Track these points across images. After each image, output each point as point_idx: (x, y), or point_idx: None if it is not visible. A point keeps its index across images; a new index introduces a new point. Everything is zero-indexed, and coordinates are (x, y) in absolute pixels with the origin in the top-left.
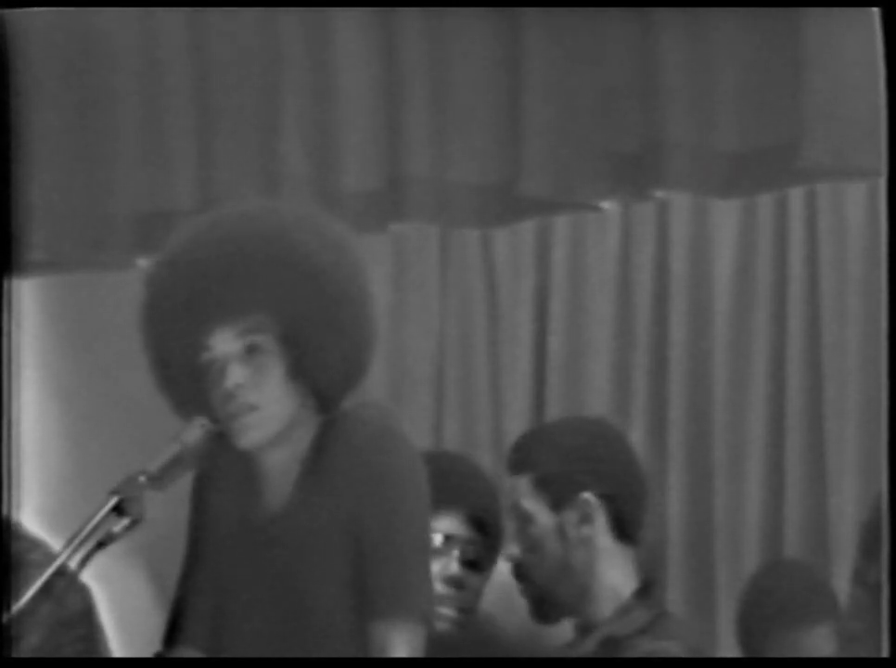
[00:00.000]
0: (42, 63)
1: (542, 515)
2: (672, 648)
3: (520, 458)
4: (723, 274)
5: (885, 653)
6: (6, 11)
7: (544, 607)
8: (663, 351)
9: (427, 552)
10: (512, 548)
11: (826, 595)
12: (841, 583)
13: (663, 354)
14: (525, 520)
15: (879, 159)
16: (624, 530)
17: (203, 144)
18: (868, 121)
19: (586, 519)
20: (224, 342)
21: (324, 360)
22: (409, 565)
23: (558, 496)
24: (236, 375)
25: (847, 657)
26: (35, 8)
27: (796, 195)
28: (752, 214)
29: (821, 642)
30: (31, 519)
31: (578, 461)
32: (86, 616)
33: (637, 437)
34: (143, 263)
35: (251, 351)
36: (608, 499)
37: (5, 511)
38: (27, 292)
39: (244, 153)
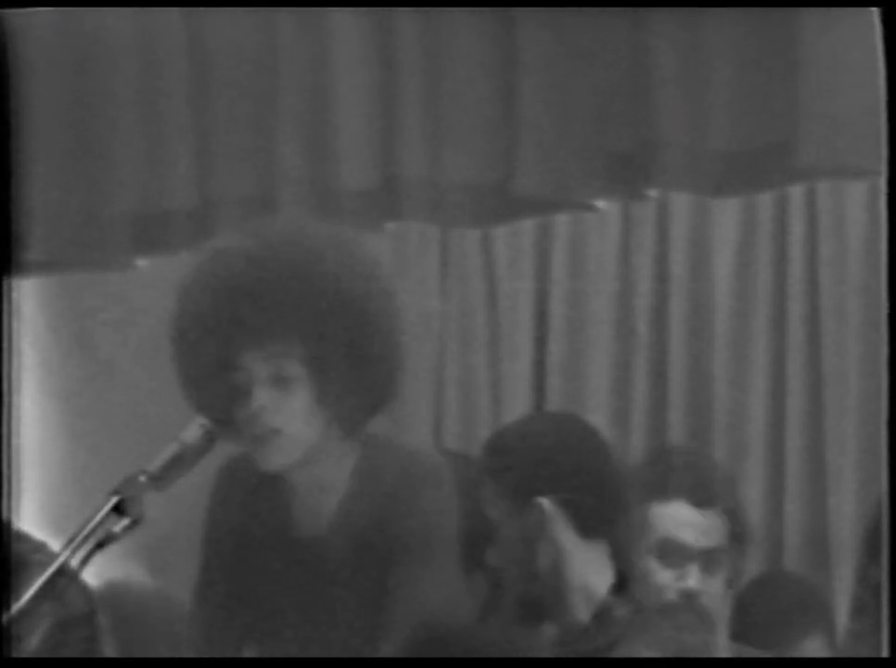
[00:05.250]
0: (41, 63)
1: (508, 520)
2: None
3: (487, 463)
4: (723, 274)
5: (885, 653)
6: (6, 11)
7: (522, 611)
8: (663, 351)
9: (451, 575)
10: (488, 555)
11: (818, 607)
12: (841, 583)
13: (663, 354)
14: (495, 525)
15: (878, 159)
16: (591, 527)
17: (200, 144)
18: (867, 120)
19: (543, 524)
20: (253, 363)
21: (349, 388)
22: (435, 575)
23: (520, 502)
24: (260, 397)
25: (847, 657)
26: (35, 8)
27: (796, 195)
28: (752, 214)
29: (812, 654)
30: (31, 519)
31: (538, 465)
32: (89, 618)
33: (637, 437)
34: (141, 263)
35: (278, 374)
36: (569, 501)
37: (5, 512)
38: (27, 292)
39: (241, 153)
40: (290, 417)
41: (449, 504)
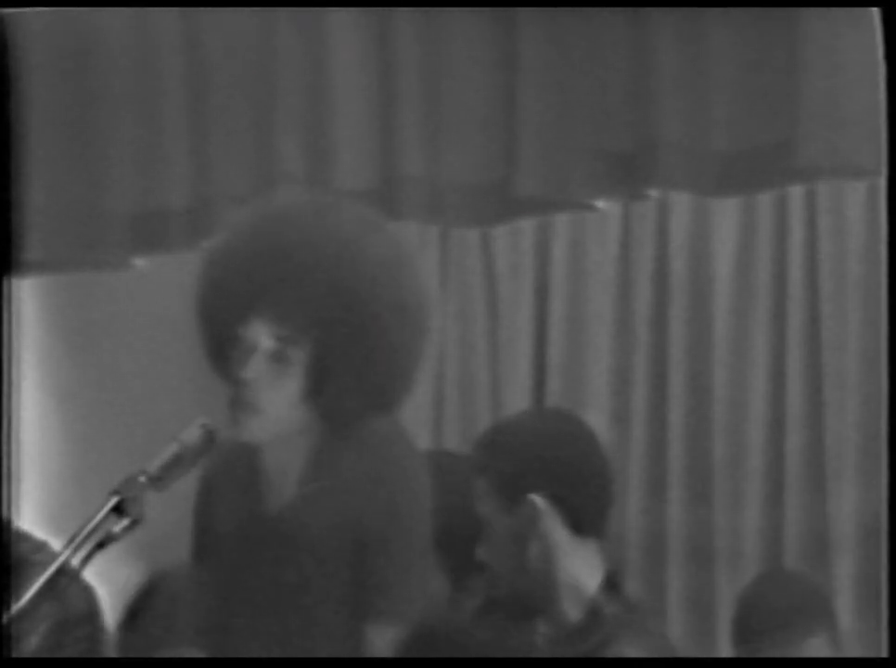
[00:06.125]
0: (40, 63)
1: (499, 516)
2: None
3: (479, 460)
4: (723, 273)
5: (885, 653)
6: (6, 11)
7: (514, 607)
8: (663, 351)
9: (426, 555)
10: (479, 550)
11: (821, 605)
12: (841, 582)
13: (663, 354)
14: (486, 521)
15: (878, 158)
16: (582, 524)
17: (198, 143)
18: (867, 120)
19: (535, 520)
20: (260, 333)
21: (344, 392)
22: (409, 567)
23: (511, 498)
24: (254, 368)
25: (847, 657)
26: (35, 8)
27: (796, 195)
28: (752, 214)
29: (815, 653)
30: (31, 519)
31: (529, 462)
32: (90, 617)
33: (637, 437)
34: (140, 262)
35: (279, 354)
36: (561, 498)
37: (5, 512)
38: (27, 292)
39: (239, 152)
40: (275, 399)
41: (424, 504)
